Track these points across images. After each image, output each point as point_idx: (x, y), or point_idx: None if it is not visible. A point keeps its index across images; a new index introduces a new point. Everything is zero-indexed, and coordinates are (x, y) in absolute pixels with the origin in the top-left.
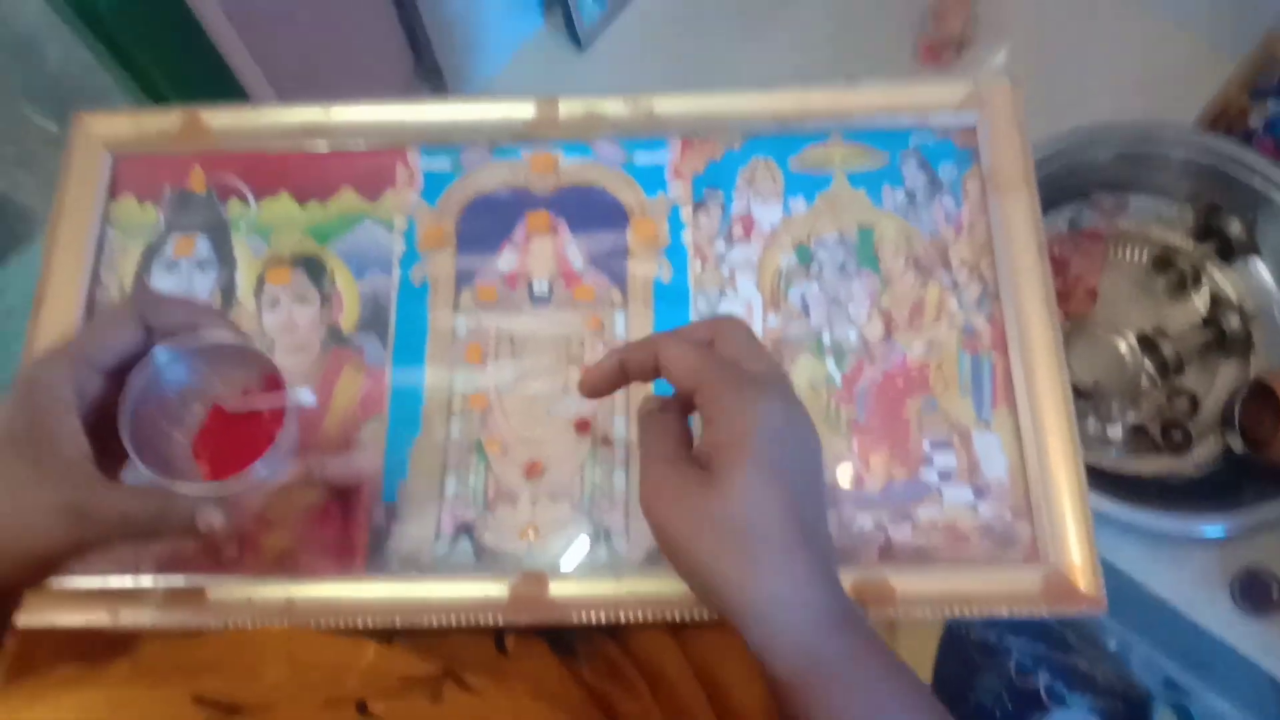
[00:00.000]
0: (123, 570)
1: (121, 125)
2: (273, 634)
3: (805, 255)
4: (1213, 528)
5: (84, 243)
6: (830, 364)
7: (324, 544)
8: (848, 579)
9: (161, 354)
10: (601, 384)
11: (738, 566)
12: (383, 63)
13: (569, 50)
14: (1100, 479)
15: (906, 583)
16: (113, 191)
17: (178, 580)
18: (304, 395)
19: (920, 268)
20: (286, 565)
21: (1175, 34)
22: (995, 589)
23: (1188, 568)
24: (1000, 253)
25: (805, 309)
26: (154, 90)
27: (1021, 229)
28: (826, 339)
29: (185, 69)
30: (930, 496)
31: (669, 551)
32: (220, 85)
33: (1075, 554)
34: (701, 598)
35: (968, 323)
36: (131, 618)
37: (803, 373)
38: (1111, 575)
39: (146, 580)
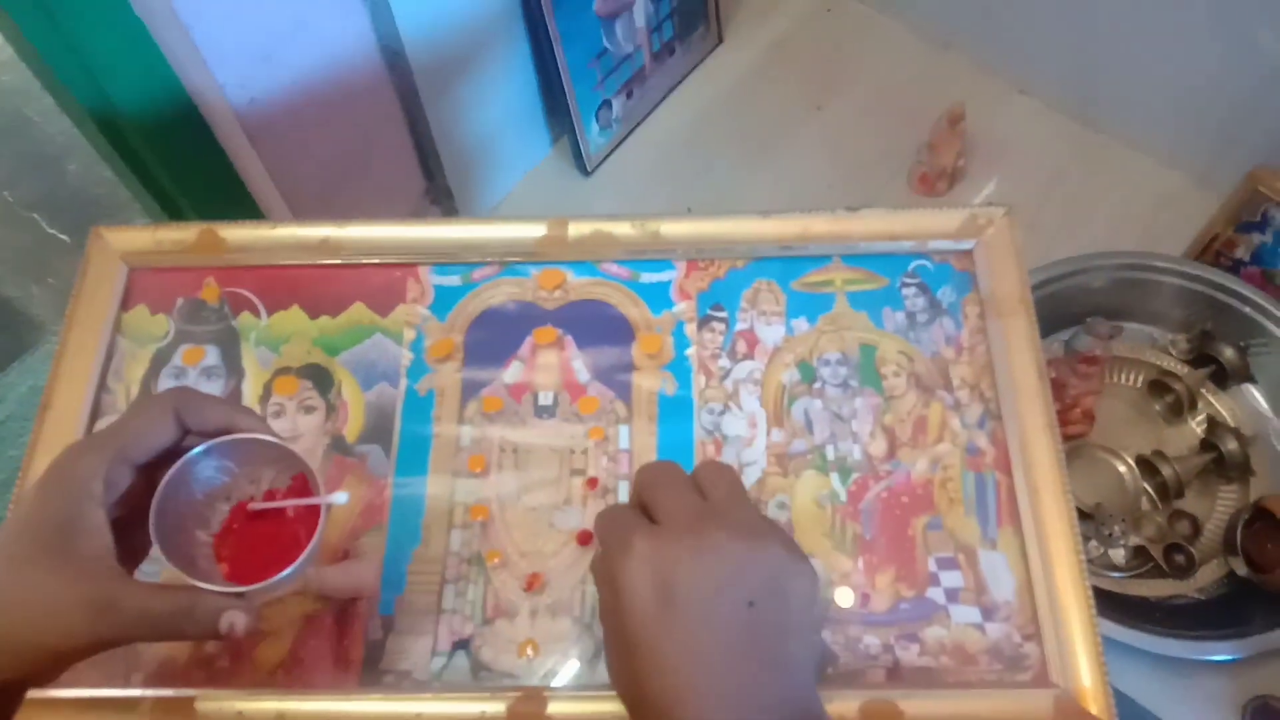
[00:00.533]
0: (111, 681)
1: (139, 239)
2: None
3: (808, 372)
4: (1221, 653)
5: (94, 350)
6: (835, 480)
7: (318, 657)
8: (855, 702)
9: (196, 453)
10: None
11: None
12: (396, 184)
13: (575, 176)
14: (1104, 601)
15: (915, 706)
16: (126, 302)
17: (166, 691)
18: (338, 497)
19: (922, 386)
20: (279, 678)
21: (1162, 170)
22: (1005, 712)
23: (1197, 695)
24: (1001, 374)
25: (809, 425)
26: (172, 207)
27: (1021, 351)
28: (830, 454)
29: (204, 187)
30: (938, 616)
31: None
32: (237, 203)
33: (1085, 676)
34: None
35: (970, 442)
36: None
37: (807, 488)
38: (1119, 702)
39: (135, 691)
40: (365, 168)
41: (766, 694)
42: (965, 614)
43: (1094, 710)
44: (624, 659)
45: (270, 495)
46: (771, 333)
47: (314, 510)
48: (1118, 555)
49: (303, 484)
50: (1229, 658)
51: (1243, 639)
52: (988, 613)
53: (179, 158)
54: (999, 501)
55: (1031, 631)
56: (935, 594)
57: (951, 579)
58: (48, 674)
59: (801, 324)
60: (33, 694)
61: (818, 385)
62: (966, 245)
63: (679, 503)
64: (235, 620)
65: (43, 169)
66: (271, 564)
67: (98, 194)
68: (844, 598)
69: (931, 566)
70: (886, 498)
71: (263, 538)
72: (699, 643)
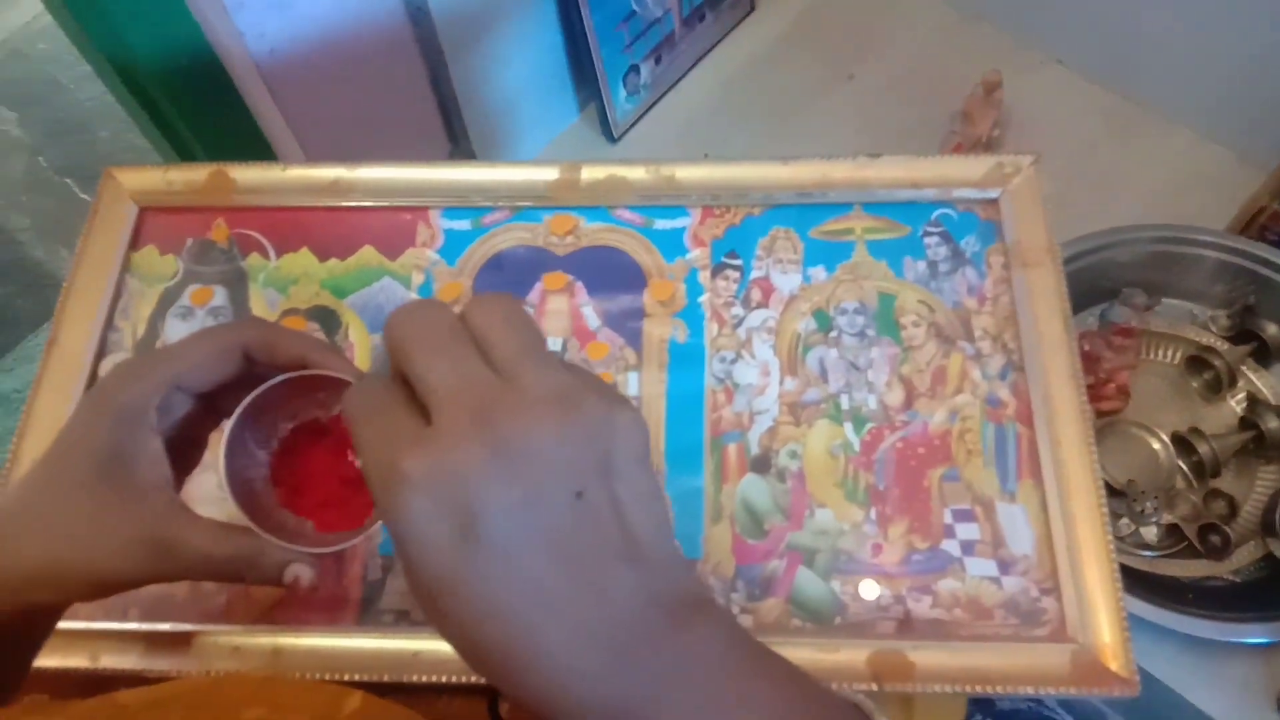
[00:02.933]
0: (109, 615)
1: (150, 179)
2: (254, 679)
3: (824, 321)
4: (1255, 635)
5: (102, 288)
6: (849, 430)
7: (316, 596)
8: (863, 652)
9: (268, 384)
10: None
11: (474, 657)
12: (419, 146)
13: (601, 143)
14: (1135, 580)
15: (926, 658)
16: (135, 242)
17: (163, 626)
18: None
19: (942, 337)
20: (276, 615)
21: (1204, 144)
22: (1020, 666)
23: (1229, 678)
24: (1025, 325)
25: (824, 374)
26: (191, 160)
27: (1047, 302)
28: (845, 404)
29: (224, 140)
30: (952, 569)
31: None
32: (257, 157)
33: (1105, 632)
34: None
35: (991, 393)
36: (113, 661)
37: (820, 437)
38: (1147, 684)
39: (132, 624)
40: (387, 126)
41: (626, 596)
42: (981, 567)
43: (1114, 668)
44: (434, 613)
45: (335, 420)
46: (788, 281)
47: None
48: (1150, 533)
49: None
50: (1264, 640)
51: (1277, 622)
52: (1004, 566)
53: (199, 108)
54: (1020, 454)
55: (1050, 586)
56: (950, 546)
57: (968, 531)
58: (89, 599)
59: (819, 272)
60: None
61: (834, 334)
62: (992, 194)
63: (455, 379)
64: (301, 574)
65: (75, 135)
66: (330, 502)
67: (128, 160)
68: (860, 545)
69: (947, 518)
70: (902, 448)
71: (321, 468)
72: (523, 571)
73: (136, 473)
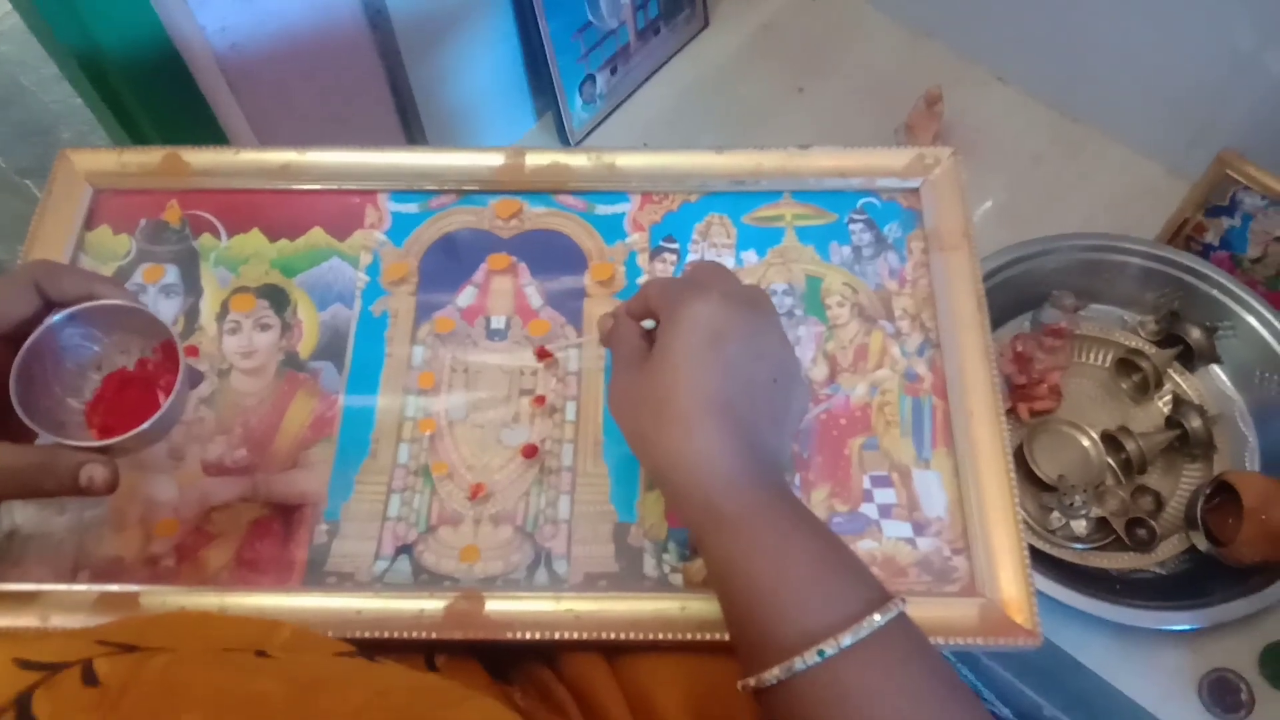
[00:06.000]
0: (59, 577)
1: (105, 161)
2: (190, 616)
3: None
4: (1179, 623)
5: None
6: None
7: (263, 559)
8: None
9: (56, 319)
10: (609, 330)
11: (654, 431)
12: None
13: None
14: (1065, 572)
15: None
16: (90, 222)
17: (112, 587)
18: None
19: (865, 316)
20: (223, 578)
21: (1137, 159)
22: (933, 618)
23: (1156, 668)
24: (942, 304)
25: None
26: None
27: (962, 282)
28: None
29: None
30: (870, 530)
31: (625, 433)
32: None
33: (1011, 588)
34: (645, 468)
35: (910, 368)
36: (62, 620)
37: None
38: (1078, 673)
39: (81, 586)
40: (346, 127)
41: (767, 443)
42: (897, 529)
43: (1019, 620)
44: (656, 374)
45: (141, 364)
46: (722, 263)
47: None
48: (1079, 526)
49: (170, 351)
50: (1187, 627)
51: (1201, 610)
52: (919, 528)
53: (160, 101)
54: (935, 424)
55: (961, 546)
56: (869, 509)
57: (885, 496)
58: None
59: (751, 256)
60: None
61: None
62: (913, 184)
63: (739, 288)
64: (94, 473)
65: (37, 136)
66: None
67: None
68: None
69: (866, 484)
70: (825, 419)
71: (133, 404)
72: (733, 382)
73: None
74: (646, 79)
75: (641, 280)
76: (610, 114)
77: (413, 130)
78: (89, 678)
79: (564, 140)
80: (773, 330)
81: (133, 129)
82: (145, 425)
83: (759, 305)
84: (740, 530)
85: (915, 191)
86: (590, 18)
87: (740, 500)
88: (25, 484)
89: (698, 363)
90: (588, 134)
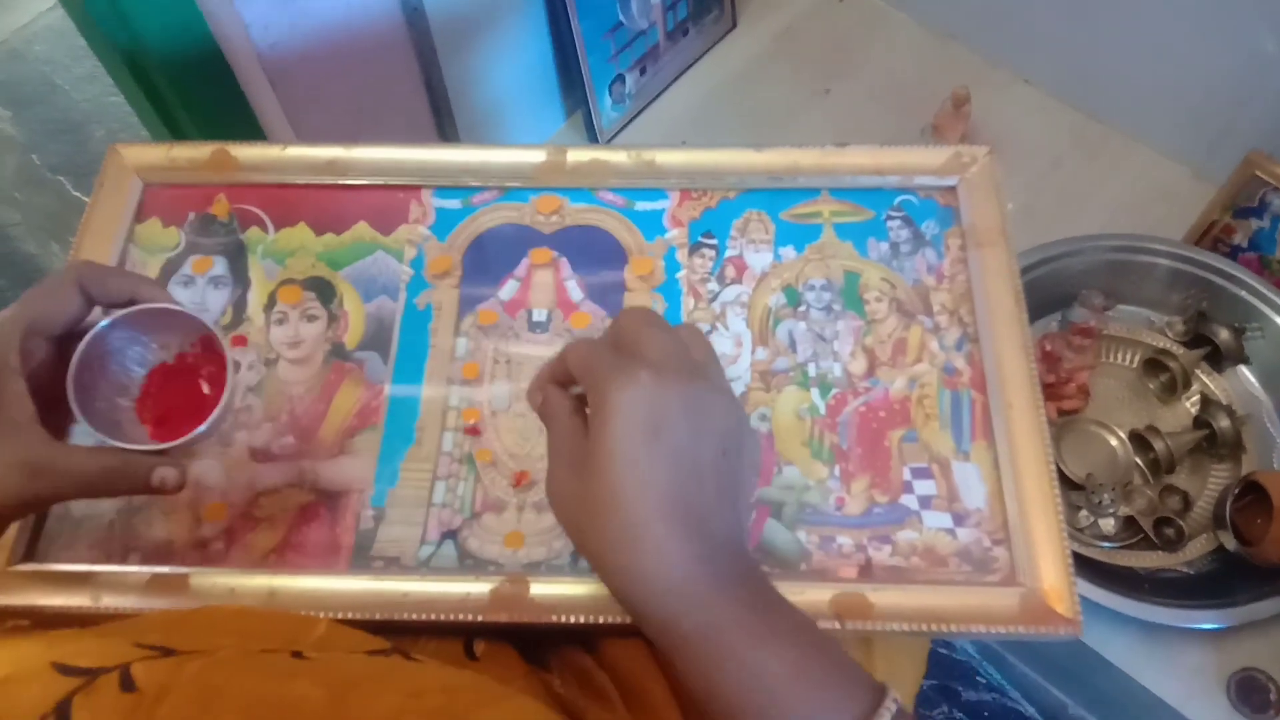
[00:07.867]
0: (110, 559)
1: (154, 155)
2: (225, 612)
3: (794, 297)
4: (1206, 621)
5: (106, 258)
6: (815, 395)
7: (310, 543)
8: (826, 594)
9: (102, 326)
10: (539, 405)
11: (597, 543)
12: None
13: None
14: (1093, 570)
15: (885, 599)
16: (139, 215)
17: (162, 569)
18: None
19: (903, 311)
20: (271, 561)
21: (1163, 161)
22: (973, 607)
23: (1183, 665)
24: (979, 300)
25: (792, 345)
26: None
27: (999, 278)
28: (812, 372)
29: (223, 130)
30: (910, 521)
31: (567, 533)
32: None
33: (1052, 578)
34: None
35: (948, 362)
36: (114, 601)
37: (789, 402)
38: (1105, 670)
39: (132, 567)
40: (380, 124)
41: (724, 528)
42: (937, 519)
43: (1059, 609)
44: (593, 478)
45: (181, 357)
46: (760, 259)
47: (224, 369)
48: (1107, 525)
49: (210, 344)
50: (1215, 626)
51: (1229, 609)
52: (959, 519)
53: (201, 97)
54: (974, 417)
55: (1001, 537)
56: (909, 500)
57: (925, 487)
58: None
59: (789, 252)
60: (32, 566)
61: (802, 308)
62: (950, 182)
63: (670, 350)
64: (166, 475)
65: (69, 134)
66: (191, 421)
67: None
68: (824, 499)
69: (906, 475)
70: (864, 412)
71: (179, 395)
72: (678, 474)
73: (5, 410)
74: (675, 79)
75: (680, 275)
76: (639, 114)
77: (445, 127)
78: (126, 683)
79: (593, 139)
80: (712, 391)
81: (173, 125)
82: (202, 427)
83: (694, 368)
84: (709, 649)
85: (952, 189)
86: (621, 18)
87: (702, 617)
88: (100, 488)
89: (636, 463)
90: (616, 133)
